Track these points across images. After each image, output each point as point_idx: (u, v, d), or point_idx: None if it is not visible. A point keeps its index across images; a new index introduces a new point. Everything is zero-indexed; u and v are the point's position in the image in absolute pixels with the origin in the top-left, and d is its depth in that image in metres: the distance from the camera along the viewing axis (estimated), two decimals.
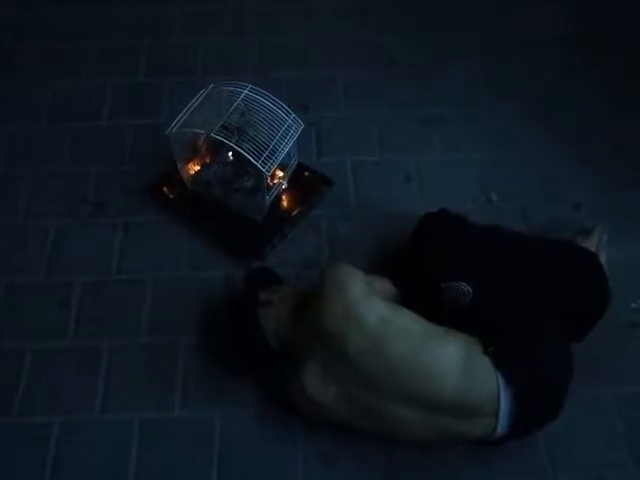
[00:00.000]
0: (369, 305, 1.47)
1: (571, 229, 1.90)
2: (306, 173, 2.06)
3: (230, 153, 1.90)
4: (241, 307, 1.62)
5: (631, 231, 1.97)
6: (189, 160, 1.98)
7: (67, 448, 1.60)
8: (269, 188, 1.89)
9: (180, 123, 1.78)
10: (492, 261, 1.63)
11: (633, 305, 1.82)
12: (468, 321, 1.55)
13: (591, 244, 1.80)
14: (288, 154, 1.86)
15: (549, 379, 1.47)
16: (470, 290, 1.57)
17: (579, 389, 1.62)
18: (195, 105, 1.81)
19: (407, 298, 1.65)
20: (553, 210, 2.02)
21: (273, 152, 1.75)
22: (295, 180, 2.02)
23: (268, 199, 1.90)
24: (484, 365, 1.44)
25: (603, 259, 1.78)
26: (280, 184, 1.96)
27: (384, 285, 1.65)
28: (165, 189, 2.02)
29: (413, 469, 1.57)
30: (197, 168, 2.00)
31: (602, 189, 2.08)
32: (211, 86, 1.84)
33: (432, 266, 1.64)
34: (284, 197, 2.00)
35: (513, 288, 1.59)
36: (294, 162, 1.96)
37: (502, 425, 1.43)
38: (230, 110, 1.78)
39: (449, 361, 1.44)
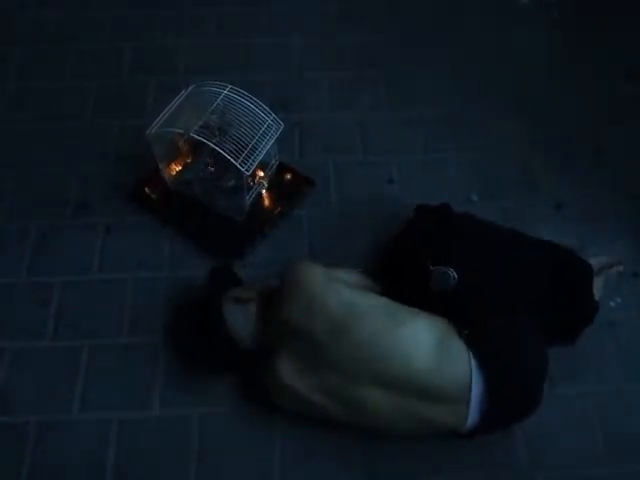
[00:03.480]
0: (331, 291, 1.49)
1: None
2: (288, 173, 2.06)
3: (210, 153, 1.90)
4: (205, 306, 1.62)
5: (610, 232, 1.98)
6: (170, 160, 1.99)
7: (45, 447, 1.60)
8: (250, 188, 1.90)
9: (160, 123, 1.79)
10: (482, 252, 1.67)
11: (612, 304, 1.83)
12: (450, 306, 1.57)
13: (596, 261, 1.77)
14: (269, 154, 1.87)
15: (522, 371, 1.47)
16: (456, 276, 1.59)
17: (558, 387, 1.65)
18: (175, 105, 1.81)
19: (396, 279, 1.70)
20: (533, 211, 2.03)
21: (253, 152, 1.75)
22: (277, 180, 2.03)
23: (249, 199, 1.91)
24: (457, 348, 1.45)
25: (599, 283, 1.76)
26: (261, 184, 1.97)
27: (349, 275, 1.67)
28: (147, 189, 2.03)
29: (392, 463, 1.58)
30: (178, 168, 2.00)
31: (583, 190, 2.09)
32: (191, 86, 1.84)
33: (425, 249, 1.67)
34: (266, 197, 2.01)
35: (497, 281, 1.62)
36: (275, 162, 1.96)
37: (473, 414, 1.44)
38: (210, 110, 1.78)
39: (419, 340, 1.45)
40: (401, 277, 1.71)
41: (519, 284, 1.62)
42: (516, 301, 1.60)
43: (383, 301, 1.54)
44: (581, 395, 1.68)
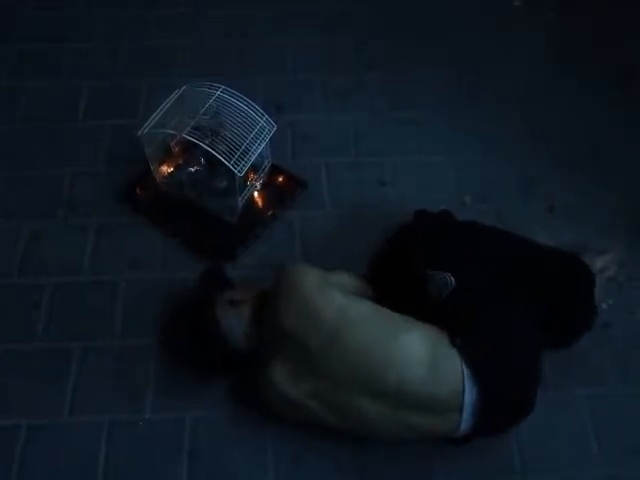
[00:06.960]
0: (324, 297, 1.48)
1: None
2: (281, 175, 2.06)
3: (203, 154, 1.89)
4: (198, 308, 1.61)
5: (606, 234, 1.98)
6: (162, 161, 1.98)
7: (34, 450, 1.59)
8: (242, 189, 1.89)
9: (153, 124, 1.78)
10: (481, 258, 1.65)
11: (604, 306, 1.82)
12: (444, 312, 1.56)
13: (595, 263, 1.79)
14: (261, 155, 1.86)
15: (514, 376, 1.47)
16: (453, 281, 1.58)
17: (552, 390, 1.64)
18: (168, 106, 1.81)
19: (390, 283, 1.70)
20: (527, 212, 2.03)
21: (245, 153, 1.74)
22: (269, 182, 2.02)
23: (241, 200, 1.90)
24: (450, 357, 1.44)
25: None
26: (253, 185, 1.96)
27: (342, 278, 1.65)
28: (139, 190, 2.02)
29: (384, 468, 1.58)
30: (170, 169, 1.99)
31: (577, 191, 2.09)
32: (184, 87, 1.84)
33: (422, 254, 1.66)
34: (258, 198, 2.00)
35: (495, 287, 1.60)
36: (268, 163, 1.96)
37: (466, 421, 1.43)
38: (202, 111, 1.78)
39: (412, 351, 1.44)
40: (396, 281, 1.70)
41: (517, 290, 1.61)
42: (514, 307, 1.58)
43: (376, 308, 1.53)
44: (575, 398, 1.68)
